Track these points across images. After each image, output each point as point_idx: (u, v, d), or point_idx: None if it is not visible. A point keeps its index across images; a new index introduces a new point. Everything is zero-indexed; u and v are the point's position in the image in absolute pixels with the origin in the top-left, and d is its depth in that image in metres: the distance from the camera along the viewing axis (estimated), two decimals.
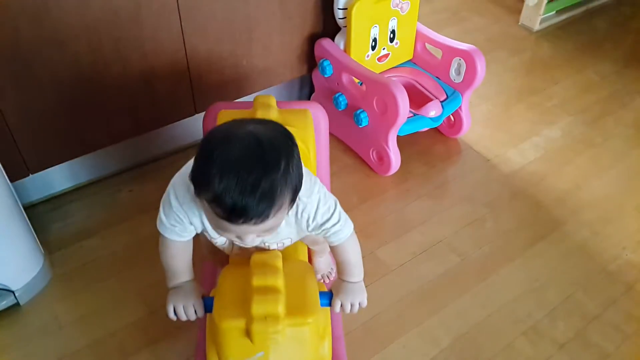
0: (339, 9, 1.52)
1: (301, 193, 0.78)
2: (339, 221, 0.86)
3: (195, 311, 0.86)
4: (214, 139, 0.72)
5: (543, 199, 1.55)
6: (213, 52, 1.42)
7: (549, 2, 2.22)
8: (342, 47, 1.57)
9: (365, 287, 1.27)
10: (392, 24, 1.60)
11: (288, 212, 0.79)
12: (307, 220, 0.84)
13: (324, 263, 1.22)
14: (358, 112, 1.51)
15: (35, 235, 1.25)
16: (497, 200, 1.54)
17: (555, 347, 1.20)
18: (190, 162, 0.77)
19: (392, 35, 1.62)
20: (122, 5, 1.21)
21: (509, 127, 1.80)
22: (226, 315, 0.77)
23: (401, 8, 1.59)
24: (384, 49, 1.63)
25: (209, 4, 1.34)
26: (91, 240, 1.37)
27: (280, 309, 0.76)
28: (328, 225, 0.85)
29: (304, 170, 0.79)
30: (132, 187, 1.51)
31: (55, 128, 1.30)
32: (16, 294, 1.20)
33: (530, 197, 1.55)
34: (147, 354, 1.15)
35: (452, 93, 1.60)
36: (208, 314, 0.88)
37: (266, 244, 0.90)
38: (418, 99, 1.58)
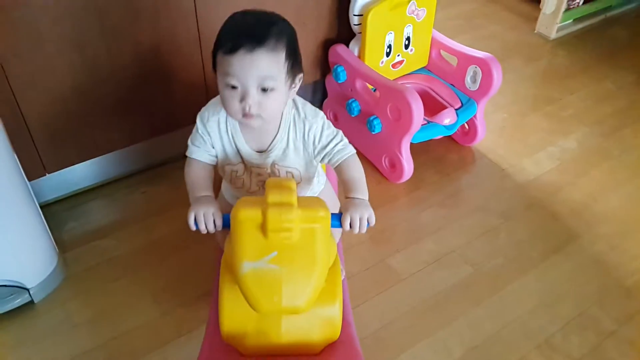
0: (354, 15, 1.52)
1: (307, 113, 0.96)
2: (341, 141, 0.98)
3: (214, 222, 0.89)
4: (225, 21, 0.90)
5: (558, 210, 1.53)
6: None
7: (566, 10, 2.20)
8: (356, 53, 1.57)
9: (377, 295, 1.28)
10: (408, 30, 1.60)
11: (286, 80, 0.89)
12: (314, 142, 0.97)
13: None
14: (371, 118, 1.51)
15: (50, 234, 1.26)
16: (511, 211, 1.52)
17: None
18: (214, 97, 0.97)
19: (407, 42, 1.62)
20: (142, 7, 1.23)
21: (524, 136, 1.78)
22: (244, 207, 0.80)
23: (417, 15, 1.59)
24: (398, 55, 1.63)
25: (226, 8, 1.33)
26: (105, 241, 1.38)
27: (294, 199, 0.79)
28: (332, 144, 0.96)
29: (309, 104, 0.98)
30: (145, 189, 1.52)
31: (73, 129, 1.31)
32: (31, 292, 1.22)
33: (545, 208, 1.54)
34: (158, 356, 1.16)
35: (467, 101, 1.59)
36: (226, 240, 0.90)
37: (276, 166, 0.98)
38: (432, 106, 1.57)
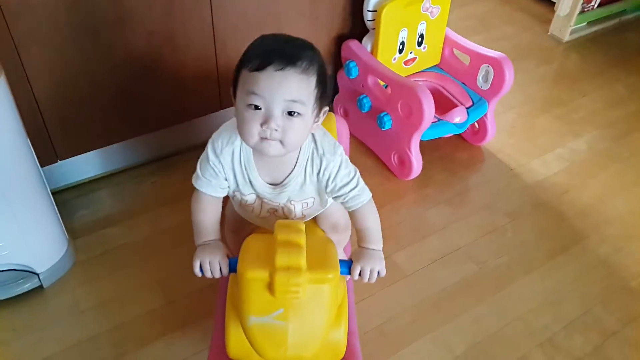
0: (368, 10, 1.52)
1: (325, 149, 0.88)
2: (357, 186, 0.90)
3: (220, 269, 0.88)
4: (253, 42, 0.85)
5: (565, 211, 1.53)
6: (241, 49, 1.42)
7: (580, 13, 2.19)
8: (369, 49, 1.57)
9: (380, 290, 1.29)
10: (421, 27, 1.60)
11: (314, 109, 0.83)
12: (328, 180, 0.89)
13: (340, 256, 1.22)
14: (382, 114, 1.52)
15: (61, 221, 1.28)
16: (518, 211, 1.52)
17: None
18: (228, 121, 0.91)
19: (420, 39, 1.62)
20: None
21: (534, 137, 1.78)
22: (251, 266, 0.79)
23: (431, 12, 1.59)
24: (411, 52, 1.63)
25: (242, 1, 1.35)
26: (114, 229, 1.40)
27: (303, 261, 0.77)
28: (347, 189, 0.90)
29: (328, 133, 0.90)
30: (155, 179, 1.54)
31: (85, 116, 1.33)
32: (40, 277, 1.23)
33: (552, 208, 1.54)
34: (163, 343, 1.17)
35: (478, 100, 1.59)
36: (230, 278, 0.90)
37: (292, 202, 0.93)
38: (443, 104, 1.57)
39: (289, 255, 0.77)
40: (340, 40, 1.61)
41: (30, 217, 1.17)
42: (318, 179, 0.90)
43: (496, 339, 1.21)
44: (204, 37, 1.36)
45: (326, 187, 0.90)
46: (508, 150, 1.72)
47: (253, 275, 0.78)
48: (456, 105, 1.56)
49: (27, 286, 1.22)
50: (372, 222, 0.93)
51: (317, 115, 0.85)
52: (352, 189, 0.90)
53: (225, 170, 0.89)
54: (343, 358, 0.91)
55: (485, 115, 1.62)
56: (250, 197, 0.94)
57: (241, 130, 0.83)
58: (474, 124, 1.69)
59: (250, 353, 0.85)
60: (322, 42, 1.59)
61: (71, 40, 1.19)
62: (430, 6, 1.57)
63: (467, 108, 1.56)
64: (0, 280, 1.20)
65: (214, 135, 0.91)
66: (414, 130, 1.45)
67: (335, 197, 0.92)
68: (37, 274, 1.23)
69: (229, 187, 0.92)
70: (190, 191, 0.95)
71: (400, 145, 1.53)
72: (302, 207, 0.95)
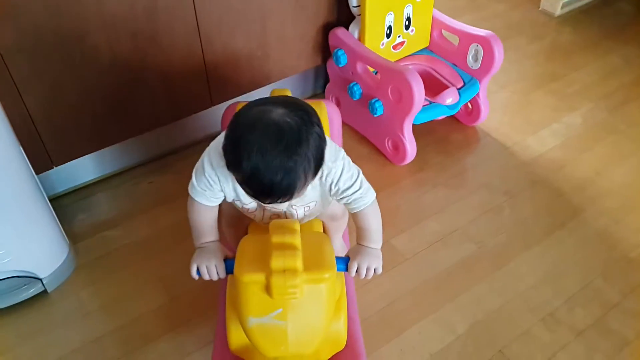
0: None
1: (326, 157, 0.84)
2: (360, 188, 0.90)
3: (217, 272, 0.90)
4: (242, 124, 0.78)
5: (562, 186, 1.53)
6: (228, 44, 1.44)
7: None
8: (356, 36, 1.57)
9: (381, 275, 1.29)
10: (407, 11, 1.59)
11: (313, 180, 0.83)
12: (330, 185, 0.89)
13: (340, 245, 1.23)
14: (373, 101, 1.51)
15: (60, 226, 1.29)
16: (515, 188, 1.52)
17: (574, 334, 1.19)
18: (225, 133, 0.86)
19: (407, 23, 1.62)
20: None
21: (529, 114, 1.77)
22: (247, 270, 0.80)
23: None
24: (399, 36, 1.62)
25: None
26: (113, 231, 1.41)
27: (299, 263, 0.78)
28: (349, 192, 0.89)
29: (328, 140, 0.85)
30: (152, 179, 1.55)
31: (77, 121, 1.33)
32: (44, 282, 1.25)
33: (549, 184, 1.53)
34: (169, 340, 1.18)
35: (470, 80, 1.59)
36: (229, 278, 0.91)
37: (294, 207, 0.94)
38: (435, 86, 1.57)
39: (284, 257, 0.77)
40: (327, 28, 1.61)
41: (29, 224, 1.18)
42: (321, 183, 0.90)
43: (498, 316, 1.22)
44: (188, 35, 1.36)
45: (330, 190, 0.90)
46: (503, 128, 1.71)
47: (250, 279, 0.79)
48: (447, 87, 1.55)
49: (32, 291, 1.24)
50: (374, 223, 0.93)
51: (318, 172, 0.83)
52: (355, 192, 0.89)
53: (221, 183, 0.88)
54: (345, 347, 0.91)
55: (478, 95, 1.62)
56: (252, 206, 0.94)
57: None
58: (467, 104, 1.68)
59: (251, 348, 0.86)
60: (308, 31, 1.58)
61: (57, 47, 1.20)
62: None
63: (458, 89, 1.55)
64: (4, 287, 1.21)
65: (211, 146, 0.89)
66: (406, 114, 1.45)
67: (339, 199, 0.92)
68: (41, 279, 1.25)
69: (224, 196, 0.92)
70: (187, 189, 0.95)
71: (393, 131, 1.53)
72: (305, 211, 0.96)
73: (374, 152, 1.62)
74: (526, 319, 1.21)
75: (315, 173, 0.81)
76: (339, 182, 0.88)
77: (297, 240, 0.79)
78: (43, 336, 1.20)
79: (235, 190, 0.89)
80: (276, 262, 0.77)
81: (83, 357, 1.16)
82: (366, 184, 0.91)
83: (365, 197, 0.91)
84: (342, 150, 0.90)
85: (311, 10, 1.55)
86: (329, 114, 1.21)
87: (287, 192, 0.78)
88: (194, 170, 0.90)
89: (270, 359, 0.86)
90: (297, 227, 0.82)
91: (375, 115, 1.53)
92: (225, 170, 0.84)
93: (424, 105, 1.50)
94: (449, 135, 1.69)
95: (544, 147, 1.65)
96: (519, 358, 1.15)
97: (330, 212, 1.06)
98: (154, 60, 1.34)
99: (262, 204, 0.88)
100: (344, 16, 1.60)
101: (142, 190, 1.52)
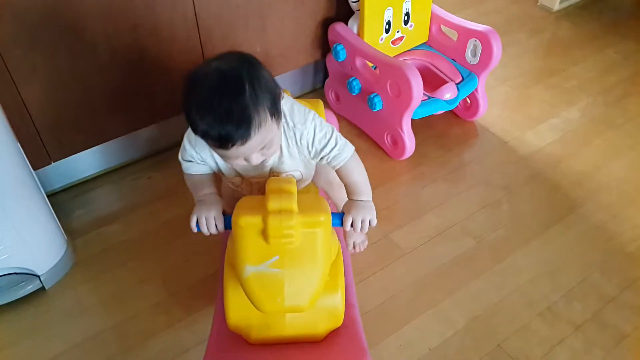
0: None
1: (295, 121, 0.90)
2: (336, 145, 0.92)
3: (216, 225, 0.91)
4: (185, 87, 0.82)
5: (561, 181, 1.53)
6: (227, 38, 1.43)
7: None
8: (355, 31, 1.56)
9: (380, 269, 1.30)
10: (406, 6, 1.59)
11: (278, 126, 0.86)
12: (307, 148, 0.92)
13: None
14: (372, 96, 1.51)
15: (58, 222, 1.29)
16: (514, 183, 1.52)
17: (572, 327, 1.19)
18: None
19: (406, 18, 1.61)
20: None
21: (527, 109, 1.77)
22: (244, 213, 0.80)
23: None
24: (398, 31, 1.62)
25: None
26: (112, 227, 1.41)
27: (294, 205, 0.79)
28: (327, 149, 0.92)
29: (297, 103, 0.92)
30: (150, 174, 1.54)
31: (75, 116, 1.33)
32: (41, 279, 1.25)
33: (547, 179, 1.54)
34: (168, 335, 1.18)
35: (468, 75, 1.59)
36: (228, 241, 0.91)
37: (275, 174, 0.96)
38: (433, 81, 1.57)
39: (280, 200, 0.79)
40: (326, 23, 1.60)
41: (26, 220, 1.17)
42: (298, 148, 0.93)
43: (496, 310, 1.22)
44: (188, 28, 1.35)
45: (309, 153, 0.94)
46: (501, 123, 1.71)
47: (246, 222, 0.80)
48: (446, 82, 1.55)
49: (29, 288, 1.24)
50: (358, 175, 0.95)
51: (278, 116, 0.85)
52: (332, 149, 0.92)
53: (203, 158, 0.94)
54: (343, 325, 0.91)
55: (476, 90, 1.62)
56: (237, 180, 0.98)
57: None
58: (465, 99, 1.68)
59: (249, 321, 0.86)
60: (308, 26, 1.58)
61: (55, 42, 1.19)
62: None
63: (457, 84, 1.55)
64: (2, 284, 1.21)
65: (189, 129, 0.91)
66: (405, 109, 1.45)
67: (319, 159, 0.95)
68: (38, 276, 1.24)
69: (210, 168, 0.97)
70: (185, 185, 0.98)
71: (392, 126, 1.53)
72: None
73: (373, 147, 1.62)
74: (525, 314, 1.22)
75: (274, 114, 0.82)
76: (314, 142, 0.91)
77: (293, 188, 0.81)
78: (41, 333, 1.19)
79: (216, 162, 0.94)
80: (272, 204, 0.78)
81: (82, 353, 1.16)
82: (342, 140, 0.93)
83: (344, 152, 0.93)
84: (313, 112, 0.92)
85: (310, 5, 1.54)
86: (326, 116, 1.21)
87: (245, 131, 0.78)
88: (179, 152, 0.97)
89: (266, 324, 0.86)
90: (294, 180, 0.85)
91: (374, 110, 1.53)
92: (202, 146, 0.90)
93: (422, 100, 1.50)
94: (447, 130, 1.69)
95: (543, 142, 1.65)
96: (517, 352, 1.15)
97: (327, 179, 1.09)
98: (152, 54, 1.34)
99: (246, 173, 0.89)
100: (343, 11, 1.60)
101: (141, 185, 1.52)
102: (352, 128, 1.67)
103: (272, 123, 0.83)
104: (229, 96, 0.78)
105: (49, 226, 1.25)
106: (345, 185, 0.96)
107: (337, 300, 0.88)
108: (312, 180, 1.10)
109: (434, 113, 1.57)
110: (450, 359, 1.14)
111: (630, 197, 1.48)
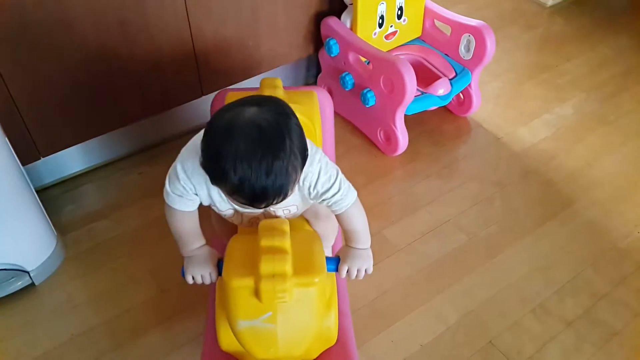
0: None
1: None
2: (339, 190, 0.87)
3: (211, 278, 0.90)
4: (217, 134, 0.74)
5: (553, 177, 1.53)
6: (218, 33, 1.42)
7: None
8: (348, 25, 1.55)
9: (372, 265, 1.29)
10: (400, 0, 1.58)
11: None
12: (309, 189, 0.86)
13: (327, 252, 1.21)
14: (365, 91, 1.50)
15: (48, 218, 1.27)
16: (506, 179, 1.52)
17: (563, 324, 1.20)
18: (197, 137, 0.82)
19: (399, 12, 1.60)
20: None
21: (520, 104, 1.77)
22: (235, 274, 0.79)
23: None
24: (391, 26, 1.61)
25: None
26: (102, 222, 1.40)
27: (288, 267, 0.77)
28: (328, 194, 0.86)
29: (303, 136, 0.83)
30: (141, 170, 1.53)
31: (65, 111, 1.31)
32: (31, 275, 1.24)
33: (540, 175, 1.54)
34: (159, 332, 1.18)
35: (461, 70, 1.58)
36: (218, 279, 0.90)
37: (272, 211, 0.91)
38: (427, 77, 1.56)
39: (273, 262, 0.76)
40: (319, 18, 1.59)
41: (15, 215, 1.16)
42: (299, 188, 0.87)
43: (488, 306, 1.22)
44: (178, 22, 1.33)
45: (309, 195, 0.88)
46: (494, 119, 1.71)
47: (239, 284, 0.78)
48: (439, 78, 1.54)
49: (19, 285, 1.23)
50: (359, 223, 0.91)
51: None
52: (335, 194, 0.86)
53: (197, 189, 0.85)
54: (336, 342, 0.91)
55: (470, 85, 1.61)
56: (229, 212, 0.92)
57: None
58: (458, 95, 1.68)
59: (241, 347, 0.85)
60: (300, 20, 1.57)
61: (43, 36, 1.17)
62: None
63: (450, 79, 1.54)
64: None
65: (183, 152, 0.85)
66: (398, 105, 1.44)
67: (319, 202, 0.89)
68: (28, 272, 1.23)
69: (200, 200, 0.89)
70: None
71: (385, 121, 1.52)
72: (284, 213, 0.93)
73: (366, 143, 1.61)
74: (517, 310, 1.22)
75: (303, 165, 0.78)
76: (317, 185, 0.85)
77: (286, 243, 0.78)
78: (31, 329, 1.18)
79: (210, 196, 0.87)
80: (265, 267, 0.76)
81: (72, 349, 1.15)
82: (346, 184, 0.88)
83: (347, 198, 0.88)
84: (320, 151, 0.86)
85: (303, 0, 1.53)
86: (320, 103, 1.19)
87: (280, 191, 0.74)
88: (167, 177, 0.87)
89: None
90: (287, 228, 0.80)
91: (367, 106, 1.52)
92: (199, 177, 0.82)
93: (416, 96, 1.49)
94: (440, 126, 1.69)
95: (536, 138, 1.65)
96: (509, 348, 1.15)
97: (313, 211, 1.03)
98: (142, 48, 1.32)
99: (244, 209, 0.85)
100: (336, 5, 1.58)
101: (131, 181, 1.50)
102: (345, 124, 1.66)
103: (297, 182, 0.78)
104: (270, 152, 0.71)
105: (39, 222, 1.24)
106: (344, 232, 0.93)
107: (331, 321, 0.88)
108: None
109: (427, 109, 1.57)
110: (442, 355, 1.14)
111: (623, 193, 1.49)
